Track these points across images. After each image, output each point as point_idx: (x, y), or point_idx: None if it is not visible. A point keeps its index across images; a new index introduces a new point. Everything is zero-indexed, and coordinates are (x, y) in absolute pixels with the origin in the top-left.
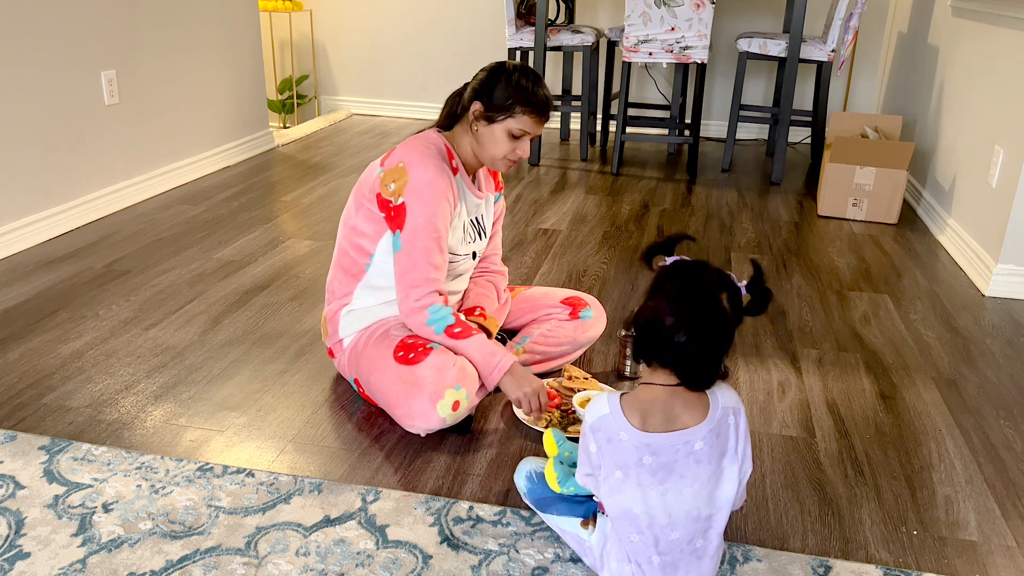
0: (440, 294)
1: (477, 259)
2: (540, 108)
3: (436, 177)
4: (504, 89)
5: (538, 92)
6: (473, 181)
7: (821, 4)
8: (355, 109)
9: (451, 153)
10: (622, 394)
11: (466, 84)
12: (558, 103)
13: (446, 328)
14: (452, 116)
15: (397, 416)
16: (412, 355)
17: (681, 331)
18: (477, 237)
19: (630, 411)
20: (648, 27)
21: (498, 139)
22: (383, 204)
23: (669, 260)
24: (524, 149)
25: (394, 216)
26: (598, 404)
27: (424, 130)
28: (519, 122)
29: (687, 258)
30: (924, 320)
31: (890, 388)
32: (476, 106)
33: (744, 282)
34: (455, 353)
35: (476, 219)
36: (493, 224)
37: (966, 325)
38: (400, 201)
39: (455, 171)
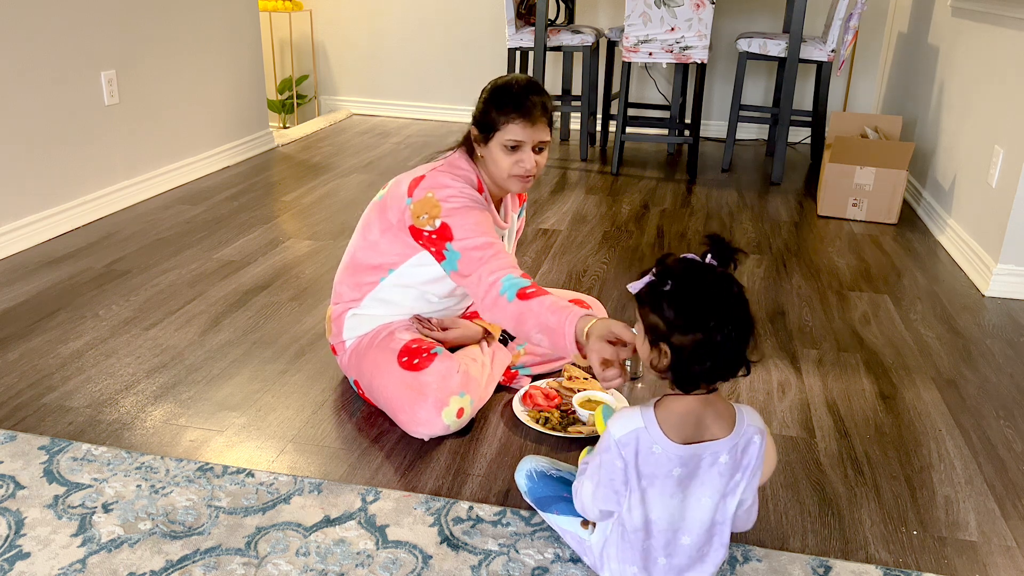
0: (511, 269)
1: None
2: (518, 108)
3: (469, 200)
4: (485, 105)
5: (519, 97)
6: (499, 211)
7: (821, 4)
8: (355, 109)
9: (481, 185)
10: (655, 404)
11: None
12: (558, 103)
13: (518, 292)
14: (470, 148)
15: (400, 422)
16: (416, 360)
17: (725, 328)
18: None
19: (665, 424)
20: (648, 27)
21: (496, 156)
22: (419, 234)
23: (645, 280)
24: (527, 160)
25: (437, 239)
26: (629, 418)
27: (449, 152)
28: (507, 132)
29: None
30: (924, 320)
31: (890, 388)
32: (473, 132)
33: (708, 256)
34: (533, 315)
35: None
36: (513, 243)
37: (966, 325)
38: (439, 224)
39: (486, 202)
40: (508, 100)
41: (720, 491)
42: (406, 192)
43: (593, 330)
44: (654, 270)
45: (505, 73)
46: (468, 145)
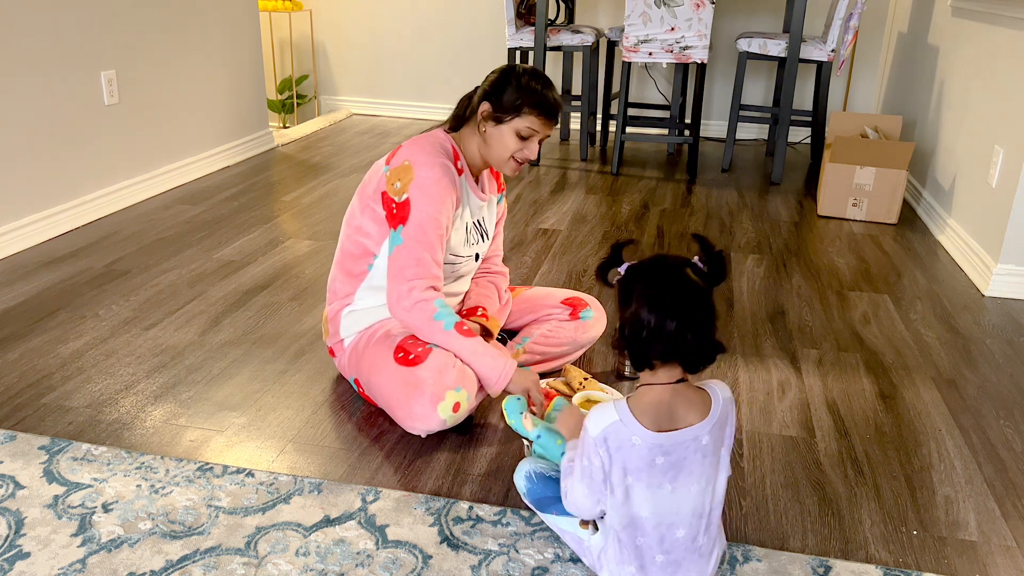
0: (437, 290)
1: (479, 261)
2: (548, 109)
3: (441, 176)
4: (513, 90)
5: (546, 93)
6: (477, 183)
7: (821, 4)
8: (355, 109)
9: (457, 154)
10: (627, 398)
11: (477, 87)
12: None
13: (455, 324)
14: (460, 118)
15: (398, 417)
16: (412, 356)
17: (667, 318)
18: (480, 239)
19: (640, 415)
20: (648, 27)
21: (506, 139)
22: (387, 202)
23: (623, 268)
24: (532, 150)
25: (396, 213)
26: (604, 413)
27: (431, 129)
28: (527, 122)
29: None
30: (924, 320)
31: (890, 388)
32: (484, 107)
33: (695, 257)
34: (456, 352)
35: (479, 221)
36: (495, 225)
37: (966, 325)
38: (404, 197)
39: (460, 172)
40: (539, 93)
41: (710, 473)
42: (384, 161)
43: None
44: (620, 251)
45: None
46: (459, 121)
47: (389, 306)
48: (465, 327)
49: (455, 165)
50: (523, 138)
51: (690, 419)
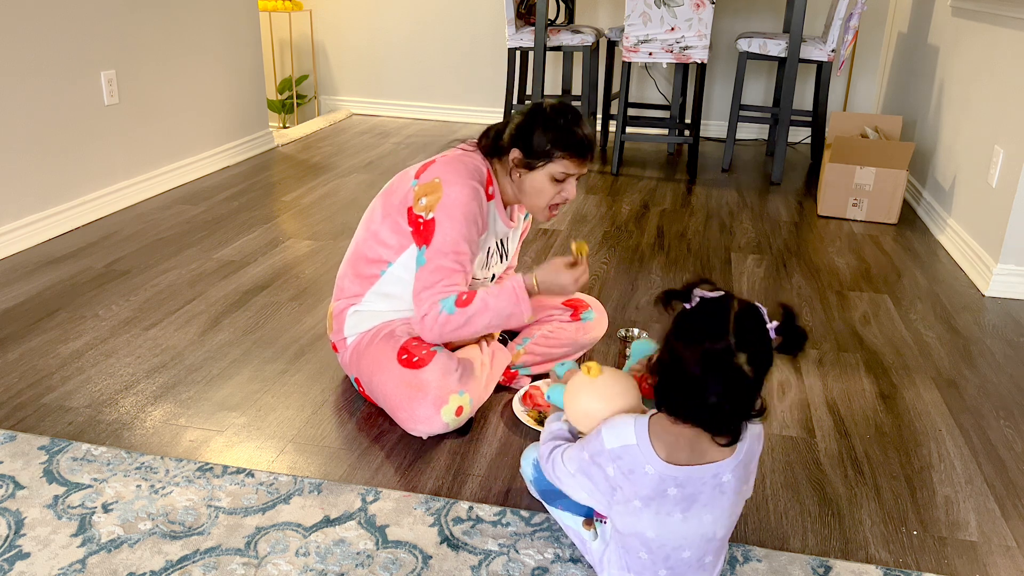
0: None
1: (495, 281)
2: (581, 150)
3: (470, 200)
4: (542, 134)
5: (577, 132)
6: (505, 208)
7: (821, 4)
8: (355, 109)
9: (491, 180)
10: (650, 416)
11: (506, 122)
12: None
13: (455, 301)
14: (493, 148)
15: (399, 419)
16: (416, 358)
17: (707, 394)
18: (499, 261)
19: (657, 442)
20: (648, 27)
21: (540, 186)
22: (412, 219)
23: (689, 305)
24: (570, 191)
25: (422, 231)
26: (622, 431)
27: (466, 145)
28: (560, 166)
29: (707, 296)
30: (924, 320)
31: (890, 388)
32: (515, 153)
33: (775, 323)
34: (475, 318)
35: (501, 241)
36: (517, 242)
37: (966, 325)
38: (430, 216)
39: (490, 197)
40: (569, 133)
41: (726, 507)
42: (413, 175)
43: (539, 275)
44: (693, 288)
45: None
46: (491, 152)
47: (415, 323)
48: (464, 296)
49: (487, 190)
50: (558, 181)
51: (713, 454)
